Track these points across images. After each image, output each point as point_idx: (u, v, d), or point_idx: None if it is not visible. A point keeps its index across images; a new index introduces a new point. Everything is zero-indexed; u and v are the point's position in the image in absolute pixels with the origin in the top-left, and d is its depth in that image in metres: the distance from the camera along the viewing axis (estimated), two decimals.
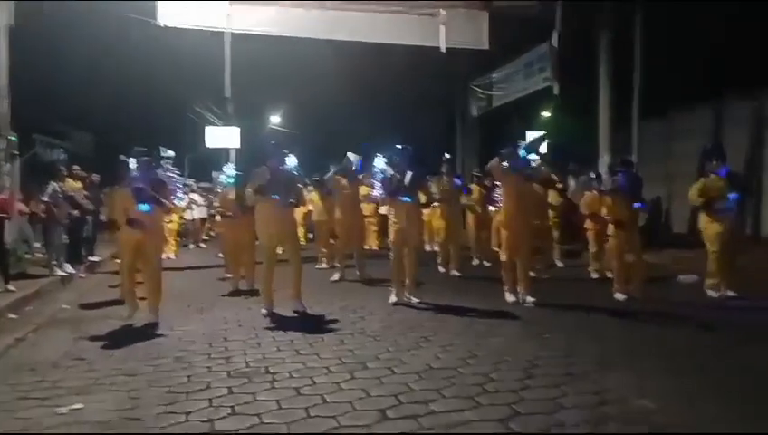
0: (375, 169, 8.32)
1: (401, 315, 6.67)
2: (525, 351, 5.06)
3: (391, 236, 7.59)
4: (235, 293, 8.54)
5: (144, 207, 6.44)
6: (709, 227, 7.55)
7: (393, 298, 7.38)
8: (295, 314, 6.85)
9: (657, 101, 14.55)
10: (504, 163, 7.40)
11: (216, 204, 10.41)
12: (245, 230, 8.92)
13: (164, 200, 6.68)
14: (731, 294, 7.40)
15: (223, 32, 15.38)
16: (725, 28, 14.20)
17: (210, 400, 3.98)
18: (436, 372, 4.48)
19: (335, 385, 4.22)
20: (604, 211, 8.18)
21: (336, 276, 9.56)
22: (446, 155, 11.19)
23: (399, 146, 7.71)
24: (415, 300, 7.33)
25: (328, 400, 3.92)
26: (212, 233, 19.20)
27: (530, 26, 15.55)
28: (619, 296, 7.53)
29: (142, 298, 6.74)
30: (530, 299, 7.21)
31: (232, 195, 9.16)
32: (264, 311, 6.89)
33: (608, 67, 14.13)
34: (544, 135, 7.77)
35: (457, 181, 10.63)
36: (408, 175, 7.31)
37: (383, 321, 6.40)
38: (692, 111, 15.66)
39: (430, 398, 3.90)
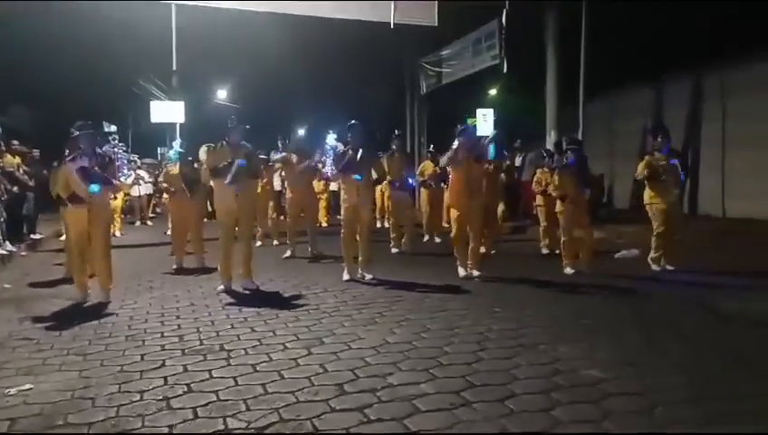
0: (326, 146, 8.30)
1: (355, 292, 6.71)
2: (477, 324, 5.17)
3: (343, 213, 7.61)
4: (182, 270, 8.42)
5: (94, 187, 6.21)
6: (654, 202, 7.81)
7: (346, 275, 7.41)
8: (248, 292, 6.82)
9: (602, 80, 14.88)
10: (456, 142, 7.51)
11: (161, 180, 10.20)
12: (192, 207, 8.81)
13: (113, 180, 6.52)
14: (669, 268, 7.70)
15: (168, 3, 14.89)
16: (665, 11, 14.59)
17: (165, 378, 3.94)
18: (392, 347, 4.53)
19: (292, 361, 4.22)
20: (551, 188, 8.36)
21: (288, 253, 9.53)
22: (396, 132, 11.23)
23: (352, 122, 7.70)
24: (368, 277, 7.37)
25: (285, 376, 3.93)
26: (158, 210, 18.84)
27: (479, 4, 15.58)
28: (569, 270, 7.76)
29: (90, 275, 6.59)
30: (476, 273, 7.38)
31: (175, 171, 9.02)
32: (221, 287, 6.83)
33: (555, 46, 14.33)
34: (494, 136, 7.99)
35: (410, 181, 10.76)
36: (360, 152, 7.31)
37: (337, 297, 6.43)
38: (633, 92, 16.14)
39: (387, 371, 3.96)
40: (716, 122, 13.61)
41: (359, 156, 7.28)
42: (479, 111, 14.36)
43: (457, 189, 7.57)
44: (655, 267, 7.84)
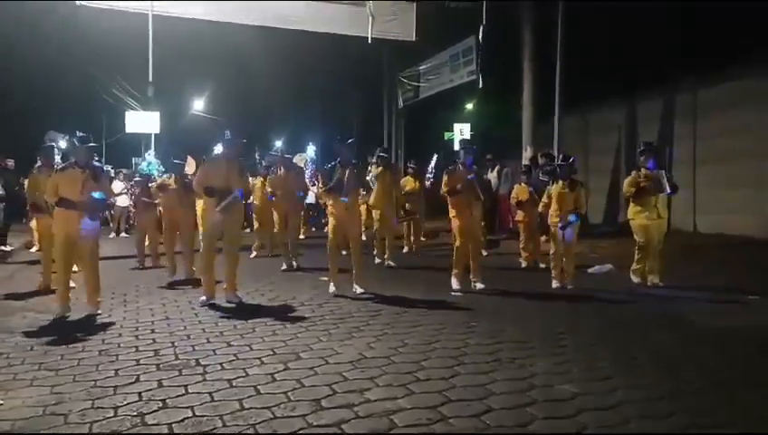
0: (307, 157, 8.34)
1: (332, 306, 6.70)
2: (454, 338, 5.20)
3: (329, 228, 7.59)
4: (173, 284, 8.33)
5: (92, 223, 6.17)
6: (636, 218, 7.87)
7: (332, 288, 7.39)
8: (225, 305, 6.76)
9: (577, 96, 15.12)
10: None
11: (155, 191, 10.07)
12: (185, 218, 8.76)
13: (109, 199, 6.49)
14: (657, 282, 7.68)
15: (144, 13, 14.81)
16: (638, 28, 14.90)
17: (140, 393, 3.89)
18: (370, 362, 4.53)
19: (268, 376, 4.20)
20: (545, 201, 8.30)
21: (285, 266, 9.58)
22: (380, 153, 11.00)
23: (349, 140, 7.73)
24: (360, 290, 7.32)
25: (262, 391, 3.91)
26: (131, 222, 18.63)
27: (457, 20, 15.79)
28: (555, 284, 7.80)
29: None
30: (479, 285, 7.52)
31: (171, 182, 9.03)
32: (203, 299, 6.80)
33: (531, 62, 14.54)
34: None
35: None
36: (349, 172, 7.27)
37: (314, 311, 6.41)
38: (608, 108, 16.40)
39: (364, 387, 3.96)
40: (688, 138, 13.89)
41: (347, 175, 7.25)
42: (456, 126, 14.50)
43: (459, 203, 7.63)
44: (635, 279, 7.92)
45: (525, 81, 14.65)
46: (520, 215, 9.94)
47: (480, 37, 15.25)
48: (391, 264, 9.99)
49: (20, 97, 21.98)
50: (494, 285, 7.77)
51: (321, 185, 7.73)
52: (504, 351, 4.81)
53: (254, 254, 11.11)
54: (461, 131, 15.70)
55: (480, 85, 15.92)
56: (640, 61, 15.08)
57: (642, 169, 7.85)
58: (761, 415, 3.51)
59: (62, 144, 12.93)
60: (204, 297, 6.83)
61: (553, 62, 13.67)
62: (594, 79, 15.79)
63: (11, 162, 11.50)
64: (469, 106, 21.47)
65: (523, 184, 10.05)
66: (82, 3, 13.38)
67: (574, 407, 3.59)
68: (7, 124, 22.54)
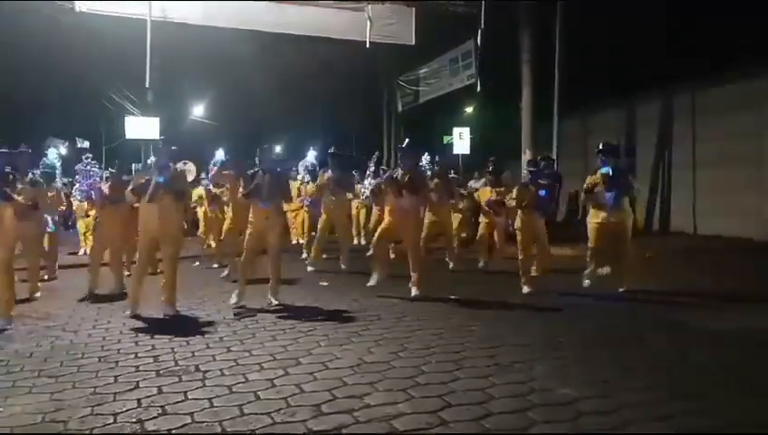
0: (307, 163, 8.31)
1: (332, 311, 6.69)
2: (453, 343, 5.20)
3: (246, 237, 7.21)
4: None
5: None
6: (590, 220, 7.78)
7: (234, 298, 7.03)
8: (221, 311, 6.73)
9: (577, 99, 15.15)
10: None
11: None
12: (123, 224, 8.57)
13: (12, 195, 6.45)
14: (620, 288, 7.48)
15: (142, 18, 14.79)
16: (636, 31, 14.95)
17: (139, 400, 3.89)
18: (369, 366, 4.54)
19: (268, 382, 4.20)
20: (512, 203, 8.21)
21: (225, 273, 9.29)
22: (330, 149, 10.61)
23: (264, 145, 7.60)
24: (275, 302, 7.03)
25: (261, 397, 3.91)
26: None
27: (456, 23, 15.79)
28: (526, 289, 7.63)
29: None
30: (414, 292, 7.37)
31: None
32: (127, 312, 6.51)
33: (530, 66, 14.53)
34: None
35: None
36: (270, 178, 7.06)
37: (313, 316, 6.40)
38: (607, 111, 16.43)
39: (364, 392, 3.96)
40: (688, 141, 13.91)
41: (267, 181, 7.01)
42: (455, 130, 14.51)
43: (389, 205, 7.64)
44: (585, 283, 7.78)
45: (524, 84, 14.64)
46: (482, 218, 9.88)
47: (479, 41, 15.25)
48: (343, 266, 9.67)
49: (19, 102, 21.99)
50: (491, 289, 7.75)
51: (241, 190, 7.48)
52: (503, 355, 4.80)
53: (197, 263, 10.72)
54: (460, 135, 15.68)
55: (479, 89, 15.91)
56: (639, 63, 15.11)
57: (597, 171, 7.75)
58: (758, 418, 3.51)
59: (63, 150, 12.97)
60: (129, 310, 6.56)
61: (552, 65, 13.68)
62: (593, 82, 15.83)
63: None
64: (469, 110, 21.49)
65: (487, 187, 9.99)
66: (79, 4, 13.37)
67: (574, 411, 3.59)
68: (6, 128, 22.56)
